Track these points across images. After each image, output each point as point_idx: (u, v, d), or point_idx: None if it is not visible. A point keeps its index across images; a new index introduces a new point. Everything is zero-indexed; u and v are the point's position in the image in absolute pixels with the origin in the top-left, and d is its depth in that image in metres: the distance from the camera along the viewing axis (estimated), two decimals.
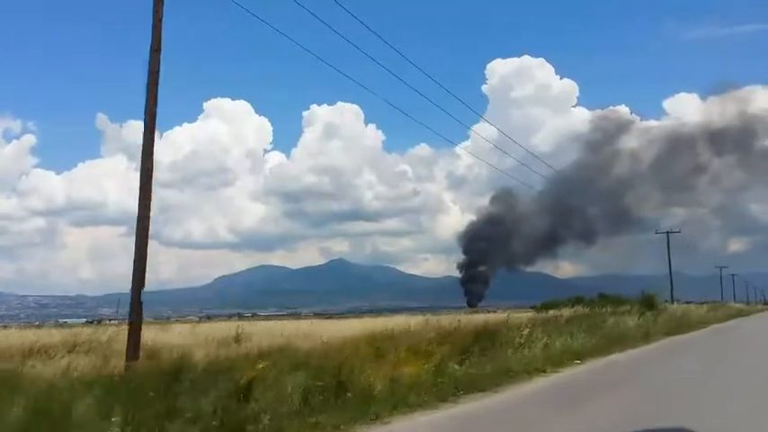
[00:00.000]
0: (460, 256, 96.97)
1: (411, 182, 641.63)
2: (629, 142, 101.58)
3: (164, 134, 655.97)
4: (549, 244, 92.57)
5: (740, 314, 74.64)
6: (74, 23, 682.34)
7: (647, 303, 36.00)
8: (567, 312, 29.01)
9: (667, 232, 63.88)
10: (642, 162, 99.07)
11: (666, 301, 54.76)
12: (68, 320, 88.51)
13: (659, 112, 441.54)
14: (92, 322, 67.27)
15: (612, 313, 29.60)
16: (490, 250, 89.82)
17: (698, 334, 33.87)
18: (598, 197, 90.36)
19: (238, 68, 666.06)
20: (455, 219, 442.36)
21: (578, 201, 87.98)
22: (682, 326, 35.57)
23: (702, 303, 72.29)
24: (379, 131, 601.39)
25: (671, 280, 62.60)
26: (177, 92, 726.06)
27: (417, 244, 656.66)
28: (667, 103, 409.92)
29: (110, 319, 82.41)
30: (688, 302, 73.44)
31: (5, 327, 34.62)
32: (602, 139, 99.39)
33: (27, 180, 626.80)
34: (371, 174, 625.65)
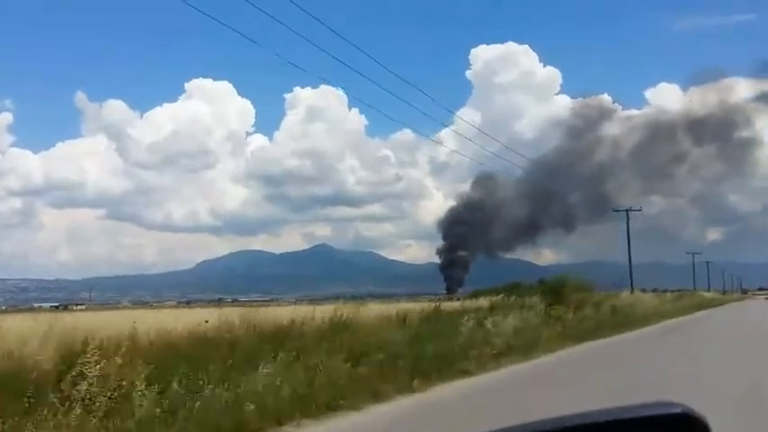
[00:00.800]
0: (442, 243, 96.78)
1: (394, 167, 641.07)
2: (609, 130, 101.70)
3: (144, 114, 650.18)
4: (528, 231, 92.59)
5: (710, 304, 67.05)
6: (53, 1, 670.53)
7: (553, 293, 25.27)
8: (487, 301, 23.78)
9: (627, 210, 58.91)
10: (622, 150, 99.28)
11: (625, 289, 48.82)
12: (43, 305, 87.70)
13: (641, 102, 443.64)
14: (57, 307, 66.93)
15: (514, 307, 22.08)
16: (470, 235, 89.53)
17: (628, 337, 24.17)
18: (578, 184, 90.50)
19: (220, 48, 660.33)
20: (438, 205, 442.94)
21: (558, 187, 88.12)
22: (615, 324, 26.28)
23: (669, 292, 70.25)
24: (362, 116, 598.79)
25: (630, 265, 58.53)
26: (158, 71, 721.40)
27: (400, 230, 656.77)
28: (649, 93, 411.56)
29: (76, 305, 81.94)
30: (658, 290, 70.95)
31: None
32: (583, 127, 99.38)
33: (3, 159, 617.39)
34: (354, 158, 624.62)
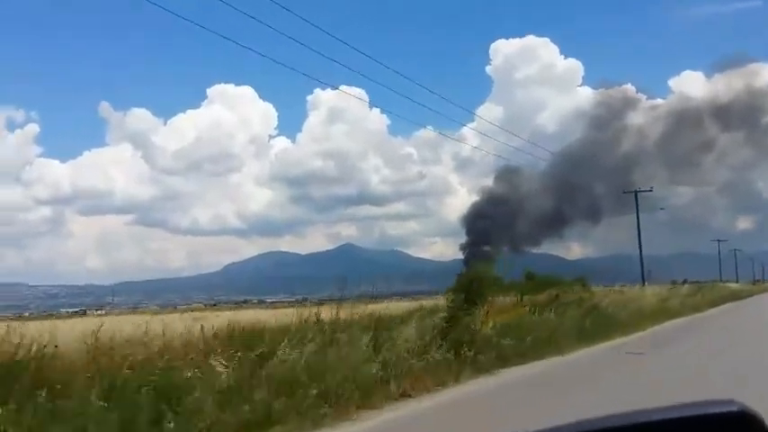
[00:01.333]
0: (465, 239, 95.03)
1: (417, 165, 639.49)
2: (634, 120, 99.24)
3: (167, 121, 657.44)
4: (554, 223, 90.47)
5: (735, 297, 58.20)
6: (75, 11, 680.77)
7: (466, 290, 16.14)
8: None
9: (635, 191, 56.39)
10: (648, 140, 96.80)
11: (624, 284, 42.07)
12: (69, 311, 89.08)
13: (665, 91, 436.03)
14: (77, 312, 68.07)
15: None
16: (493, 229, 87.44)
17: (572, 361, 15.25)
18: (603, 175, 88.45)
19: (242, 53, 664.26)
20: (462, 201, 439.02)
21: (583, 179, 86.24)
22: (581, 334, 18.11)
23: (691, 283, 64.58)
24: (384, 115, 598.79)
25: (640, 255, 55.41)
26: (180, 78, 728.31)
27: (425, 227, 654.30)
28: (673, 82, 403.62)
29: (96, 309, 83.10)
30: (679, 281, 65.60)
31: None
32: (607, 116, 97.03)
33: (31, 169, 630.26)
34: (377, 157, 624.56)
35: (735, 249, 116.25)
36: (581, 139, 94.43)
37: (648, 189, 57.86)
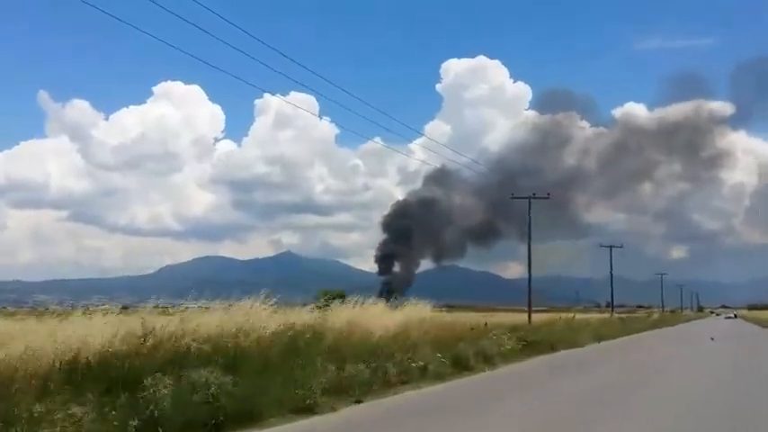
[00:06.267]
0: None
1: (363, 176, 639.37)
2: (575, 146, 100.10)
3: (110, 116, 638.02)
4: (485, 235, 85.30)
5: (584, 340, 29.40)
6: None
7: None
8: None
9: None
10: (587, 165, 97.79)
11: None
12: None
13: (609, 121, 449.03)
14: None
15: None
16: (416, 231, 78.68)
17: None
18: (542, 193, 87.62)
19: (192, 51, 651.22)
20: None
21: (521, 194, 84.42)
22: None
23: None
24: (333, 125, 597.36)
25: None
26: (126, 72, 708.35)
27: (368, 239, 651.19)
28: (617, 112, 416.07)
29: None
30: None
31: None
32: (549, 139, 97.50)
33: None
34: (323, 167, 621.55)
35: (661, 274, 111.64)
36: (522, 150, 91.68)
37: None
